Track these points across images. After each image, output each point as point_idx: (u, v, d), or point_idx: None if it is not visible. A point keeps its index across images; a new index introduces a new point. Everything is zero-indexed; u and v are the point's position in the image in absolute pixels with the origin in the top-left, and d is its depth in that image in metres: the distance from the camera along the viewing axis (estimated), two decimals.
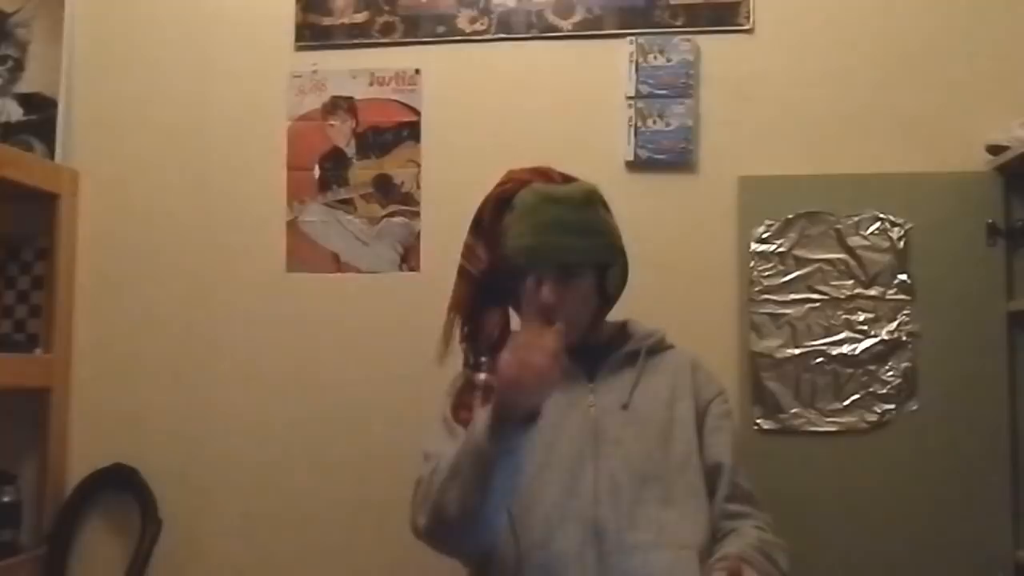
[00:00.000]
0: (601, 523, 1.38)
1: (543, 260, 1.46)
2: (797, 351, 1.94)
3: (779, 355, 1.95)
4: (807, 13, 2.04)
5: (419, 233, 2.11)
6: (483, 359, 1.51)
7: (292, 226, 2.14)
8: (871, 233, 1.95)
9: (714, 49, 2.05)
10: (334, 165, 2.14)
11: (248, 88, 2.18)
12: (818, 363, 1.94)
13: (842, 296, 1.95)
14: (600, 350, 1.56)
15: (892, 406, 1.92)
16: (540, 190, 1.52)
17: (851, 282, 1.95)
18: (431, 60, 2.13)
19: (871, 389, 1.92)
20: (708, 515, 1.44)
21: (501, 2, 2.11)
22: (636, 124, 2.04)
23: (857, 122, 2.00)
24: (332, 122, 2.15)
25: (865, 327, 1.94)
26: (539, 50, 2.10)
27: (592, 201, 1.52)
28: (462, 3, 2.11)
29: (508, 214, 1.54)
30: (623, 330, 1.62)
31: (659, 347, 1.60)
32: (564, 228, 1.47)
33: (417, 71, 2.13)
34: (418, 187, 2.12)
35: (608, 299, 1.57)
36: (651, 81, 2.04)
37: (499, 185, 1.60)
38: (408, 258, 2.11)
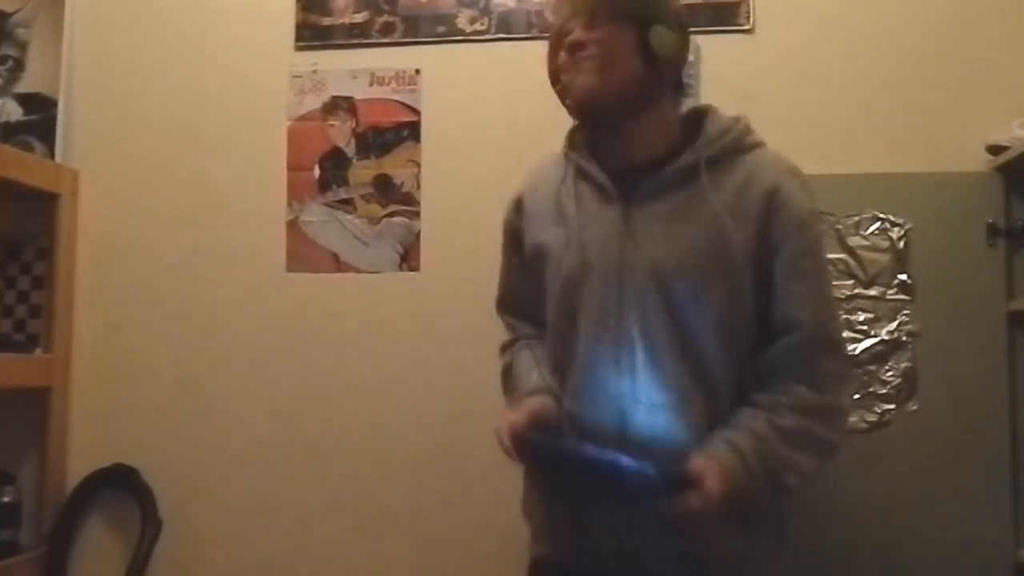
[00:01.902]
0: (623, 394, 1.28)
1: None
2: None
3: None
4: (807, 13, 2.04)
5: (419, 233, 2.11)
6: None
7: (292, 226, 2.14)
8: (871, 233, 1.95)
9: (714, 49, 2.04)
10: (334, 165, 2.14)
11: (248, 88, 2.18)
12: None
13: (842, 296, 1.95)
14: (657, 161, 1.30)
15: (892, 406, 1.91)
16: None
17: (851, 282, 1.95)
18: (431, 60, 2.13)
19: (871, 389, 1.92)
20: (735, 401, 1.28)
21: (501, 2, 2.11)
22: None
23: (857, 122, 2.00)
24: (332, 122, 2.15)
25: (865, 327, 1.94)
26: (539, 50, 2.08)
27: None
28: (462, 3, 2.11)
29: None
30: (695, 127, 1.34)
31: (730, 152, 1.31)
32: None
33: (417, 71, 2.13)
34: (418, 187, 2.12)
35: (656, 64, 1.30)
36: None
37: None
38: (408, 258, 2.11)
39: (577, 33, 1.31)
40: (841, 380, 1.30)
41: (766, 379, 1.28)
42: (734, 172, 1.29)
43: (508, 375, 1.50)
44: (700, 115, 1.37)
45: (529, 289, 1.46)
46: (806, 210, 1.29)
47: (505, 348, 1.55)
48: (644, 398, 1.27)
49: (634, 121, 1.33)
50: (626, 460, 1.16)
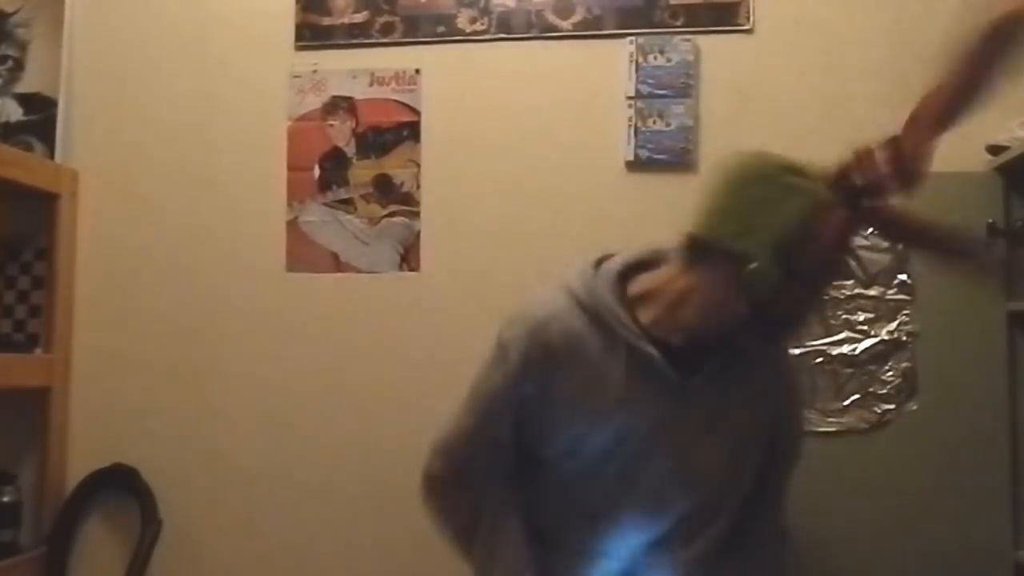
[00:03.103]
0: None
1: None
2: (797, 351, 1.94)
3: None
4: (807, 13, 2.04)
5: (419, 233, 2.11)
6: None
7: (292, 226, 2.14)
8: (871, 233, 1.95)
9: (714, 49, 2.04)
10: (334, 165, 2.14)
11: (248, 88, 2.18)
12: (818, 363, 1.94)
13: (842, 296, 1.95)
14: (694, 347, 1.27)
15: (892, 406, 1.91)
16: None
17: (851, 282, 1.95)
18: (431, 60, 2.13)
19: (871, 389, 1.92)
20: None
21: (501, 2, 2.11)
22: (636, 124, 2.04)
23: (857, 122, 2.00)
24: (332, 122, 2.15)
25: (865, 327, 1.94)
26: (539, 50, 2.10)
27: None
28: (462, 3, 2.11)
29: None
30: None
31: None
32: None
33: (417, 71, 2.13)
34: (418, 187, 2.12)
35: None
36: (651, 81, 2.04)
37: None
38: (408, 258, 2.11)
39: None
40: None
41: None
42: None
43: (489, 556, 1.36)
44: None
45: (507, 451, 1.36)
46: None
47: (453, 485, 1.39)
48: None
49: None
50: None
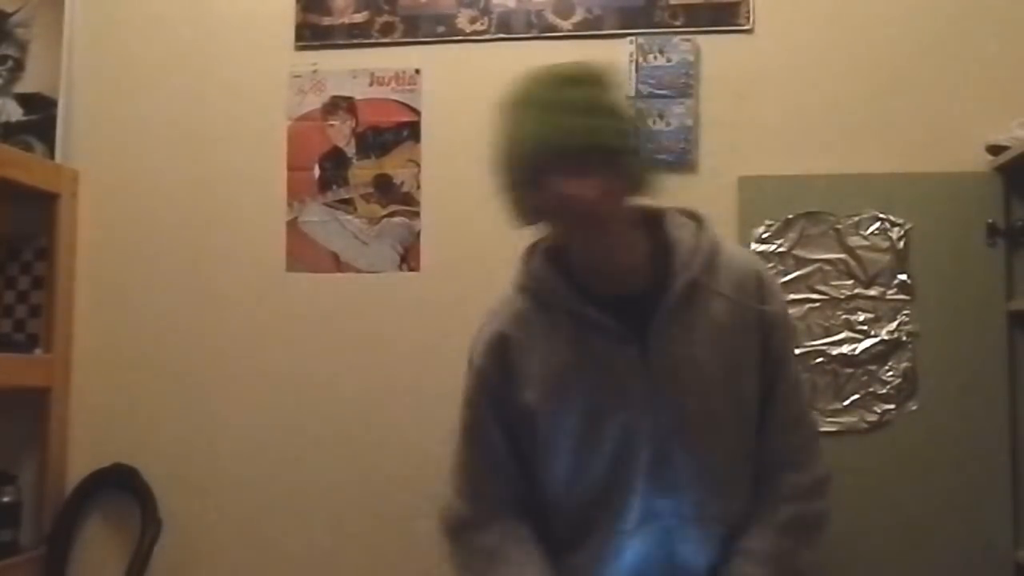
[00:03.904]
0: (649, 499, 1.29)
1: (545, 148, 1.29)
2: (797, 351, 1.94)
3: None
4: (807, 13, 2.04)
5: (419, 233, 2.11)
6: None
7: (292, 226, 2.14)
8: (871, 233, 1.95)
9: (714, 49, 2.05)
10: (334, 165, 2.14)
11: (248, 88, 2.18)
12: (818, 363, 1.94)
13: (842, 296, 1.95)
14: (644, 296, 1.28)
15: (892, 406, 1.92)
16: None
17: (851, 282, 1.95)
18: (431, 60, 2.13)
19: (871, 389, 1.92)
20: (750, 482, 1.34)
21: (501, 2, 2.11)
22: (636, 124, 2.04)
23: (857, 122, 2.00)
24: (332, 122, 2.15)
25: (865, 327, 1.94)
26: (539, 50, 2.10)
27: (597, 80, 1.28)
28: (462, 3, 2.11)
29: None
30: (663, 251, 1.31)
31: (712, 258, 1.30)
32: (565, 108, 1.28)
33: (417, 71, 2.13)
34: (418, 187, 2.12)
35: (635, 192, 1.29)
36: (651, 81, 2.04)
37: None
38: (408, 258, 2.11)
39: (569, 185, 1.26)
40: (814, 449, 1.40)
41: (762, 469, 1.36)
42: (719, 278, 1.30)
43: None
44: (653, 217, 1.34)
45: (510, 458, 1.37)
46: (783, 301, 1.39)
47: (467, 527, 1.41)
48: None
49: (619, 240, 1.30)
50: None
